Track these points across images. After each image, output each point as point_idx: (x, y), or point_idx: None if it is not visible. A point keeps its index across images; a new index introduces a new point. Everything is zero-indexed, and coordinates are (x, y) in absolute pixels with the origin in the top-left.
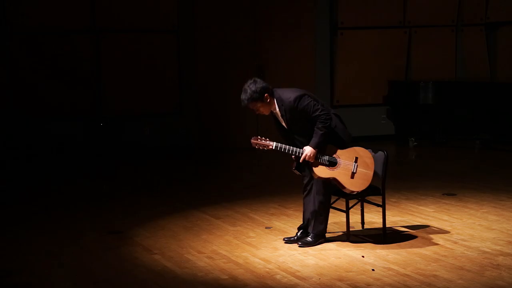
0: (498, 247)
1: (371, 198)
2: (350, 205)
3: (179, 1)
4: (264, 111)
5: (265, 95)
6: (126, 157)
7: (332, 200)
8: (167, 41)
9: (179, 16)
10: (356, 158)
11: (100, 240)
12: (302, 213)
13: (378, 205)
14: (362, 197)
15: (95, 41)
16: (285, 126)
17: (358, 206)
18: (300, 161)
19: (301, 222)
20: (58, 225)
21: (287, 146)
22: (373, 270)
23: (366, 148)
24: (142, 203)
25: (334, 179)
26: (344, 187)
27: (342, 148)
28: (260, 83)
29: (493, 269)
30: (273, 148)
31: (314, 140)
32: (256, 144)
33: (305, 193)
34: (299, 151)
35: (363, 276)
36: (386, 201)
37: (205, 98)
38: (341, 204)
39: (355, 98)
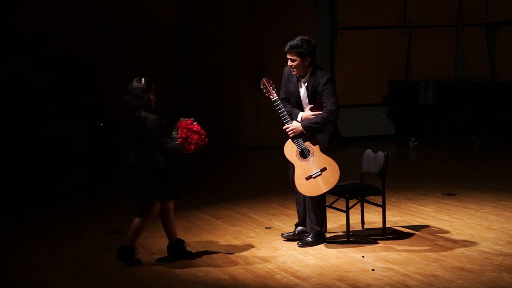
0: (498, 247)
1: (371, 198)
2: (350, 205)
3: (179, 1)
4: (296, 68)
5: (308, 57)
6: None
7: (332, 200)
8: (167, 41)
9: (179, 16)
10: (324, 169)
11: (100, 240)
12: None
13: (378, 205)
14: (362, 197)
15: (94, 41)
16: (301, 99)
17: (358, 206)
18: (283, 128)
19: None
20: (58, 225)
21: (283, 108)
22: (373, 270)
23: (366, 148)
24: None
25: (292, 166)
26: (294, 180)
27: (323, 151)
28: (312, 46)
29: (493, 269)
30: (273, 99)
31: (307, 122)
32: (264, 85)
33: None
34: (289, 120)
35: (363, 276)
36: (386, 201)
37: (205, 98)
38: (341, 204)
39: (355, 98)
